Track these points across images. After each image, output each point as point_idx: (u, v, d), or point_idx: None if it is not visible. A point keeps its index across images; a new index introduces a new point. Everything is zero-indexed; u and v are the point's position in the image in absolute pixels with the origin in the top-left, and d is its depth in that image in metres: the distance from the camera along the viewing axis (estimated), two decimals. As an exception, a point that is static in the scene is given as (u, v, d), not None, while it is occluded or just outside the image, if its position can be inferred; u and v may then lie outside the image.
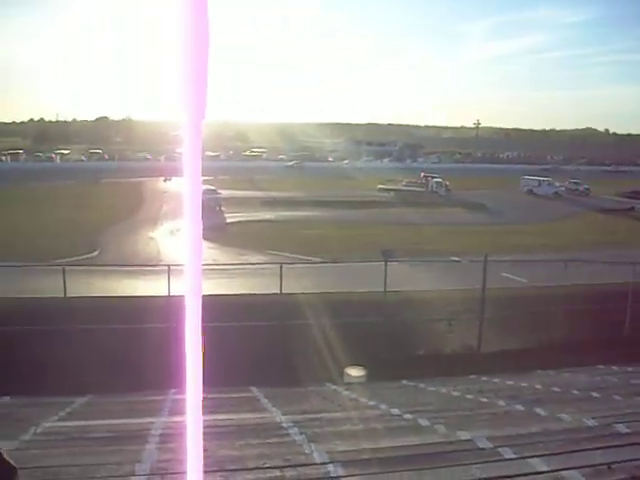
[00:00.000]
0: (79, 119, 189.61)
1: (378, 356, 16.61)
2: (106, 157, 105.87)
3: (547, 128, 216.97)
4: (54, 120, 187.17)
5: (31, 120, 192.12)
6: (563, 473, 5.82)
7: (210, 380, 1.10)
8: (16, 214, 42.68)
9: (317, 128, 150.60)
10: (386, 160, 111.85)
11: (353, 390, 14.05)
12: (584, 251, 30.34)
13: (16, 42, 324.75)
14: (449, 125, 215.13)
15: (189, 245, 0.98)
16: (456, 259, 26.04)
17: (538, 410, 9.83)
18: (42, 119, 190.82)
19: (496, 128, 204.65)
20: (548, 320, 18.71)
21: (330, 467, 6.74)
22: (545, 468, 6.06)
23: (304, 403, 12.77)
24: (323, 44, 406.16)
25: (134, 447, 8.10)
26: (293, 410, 11.30)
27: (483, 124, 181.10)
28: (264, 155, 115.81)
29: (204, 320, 1.01)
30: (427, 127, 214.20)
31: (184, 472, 1.02)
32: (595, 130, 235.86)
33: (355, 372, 16.15)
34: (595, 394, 11.61)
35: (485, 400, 11.99)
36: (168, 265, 17.93)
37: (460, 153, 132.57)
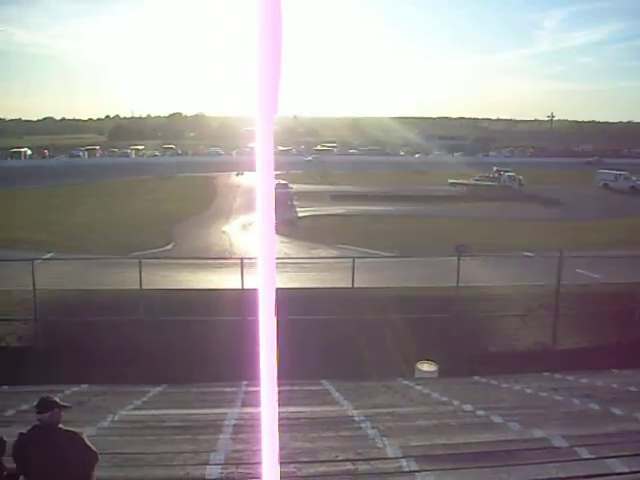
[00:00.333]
0: (153, 115, 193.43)
1: (450, 351, 16.44)
2: (179, 152, 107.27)
3: (624, 120, 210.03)
4: (129, 116, 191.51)
5: (107, 117, 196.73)
6: (643, 475, 5.67)
7: (282, 373, 1.10)
8: (94, 208, 43.73)
9: (388, 122, 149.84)
10: (457, 154, 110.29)
11: (424, 385, 13.96)
12: (663, 247, 29.39)
13: (92, 41, 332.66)
14: (522, 118, 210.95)
15: (262, 239, 0.98)
16: (529, 254, 25.57)
17: (614, 410, 9.60)
18: (117, 116, 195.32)
19: (570, 121, 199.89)
20: (624, 318, 18.22)
21: (403, 462, 6.71)
22: (624, 469, 5.91)
23: (375, 397, 12.76)
24: (394, 38, 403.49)
25: (208, 437, 8.24)
26: (364, 404, 11.31)
27: (557, 117, 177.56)
28: (335, 150, 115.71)
29: (277, 313, 1.01)
30: (499, 120, 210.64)
31: (258, 463, 1.02)
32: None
33: (426, 367, 16.04)
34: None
35: (559, 398, 11.77)
36: (241, 258, 18.08)
37: (533, 147, 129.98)
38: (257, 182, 0.95)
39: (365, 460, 6.83)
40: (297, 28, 0.97)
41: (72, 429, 5.44)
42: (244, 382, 13.81)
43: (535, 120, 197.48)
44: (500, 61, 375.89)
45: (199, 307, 17.52)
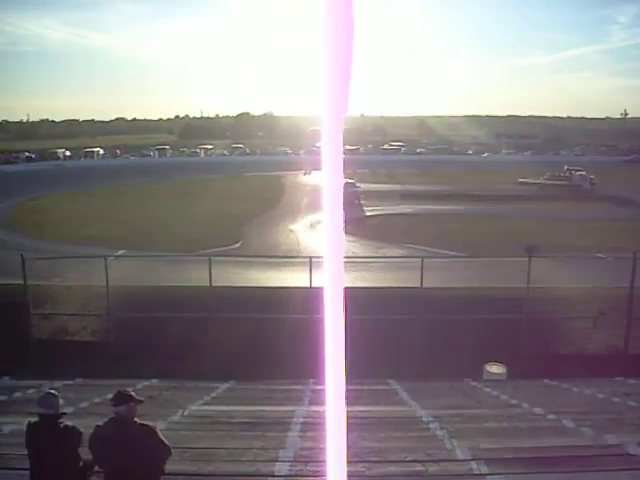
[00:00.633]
0: (222, 115, 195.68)
1: (519, 353, 16.20)
2: (248, 151, 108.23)
3: None
4: (198, 117, 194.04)
5: (177, 117, 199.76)
6: None
7: (349, 372, 1.09)
8: (164, 207, 44.53)
9: (456, 121, 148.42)
10: (527, 153, 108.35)
11: (493, 387, 13.78)
12: None
13: (162, 43, 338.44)
14: (593, 116, 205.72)
15: (330, 238, 0.98)
16: (601, 256, 24.98)
17: (693, 418, 9.32)
18: (187, 116, 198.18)
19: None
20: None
21: (473, 464, 6.64)
22: None
23: (443, 398, 12.66)
24: (461, 34, 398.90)
25: (277, 434, 8.29)
26: (432, 404, 11.22)
27: (631, 114, 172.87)
28: (402, 149, 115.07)
29: (345, 312, 1.01)
30: (570, 118, 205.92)
31: (327, 461, 1.02)
32: None
33: (495, 369, 15.84)
34: None
35: (634, 404, 11.46)
36: (309, 257, 18.15)
37: (605, 145, 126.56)
38: (325, 181, 0.95)
39: (435, 461, 6.78)
40: (366, 26, 0.96)
41: (147, 423, 5.55)
42: (311, 380, 13.86)
43: (607, 118, 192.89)
44: (571, 57, 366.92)
45: (267, 305, 17.65)
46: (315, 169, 62.38)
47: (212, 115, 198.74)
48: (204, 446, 7.36)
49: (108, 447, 5.43)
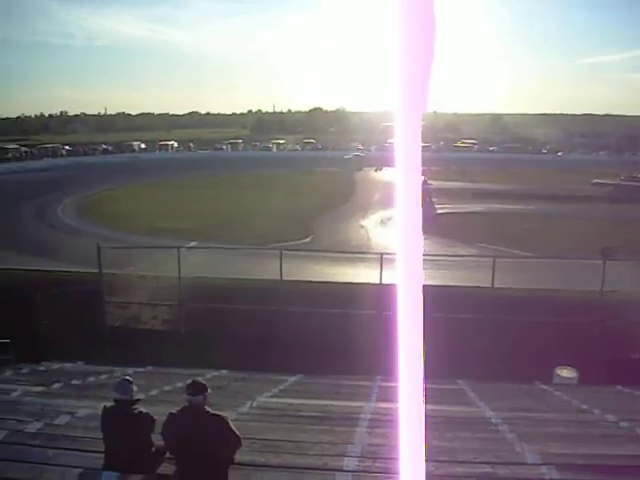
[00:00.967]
0: (294, 110, 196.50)
1: (591, 358, 15.85)
2: (319, 147, 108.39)
3: None
4: (271, 111, 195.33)
5: (250, 111, 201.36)
6: None
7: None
8: (236, 200, 45.04)
9: (530, 119, 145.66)
10: (602, 152, 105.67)
11: (564, 391, 13.52)
12: None
13: (237, 39, 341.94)
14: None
15: (408, 235, 0.97)
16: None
17: None
18: (260, 110, 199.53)
19: None
20: None
21: (544, 469, 6.53)
22: None
23: (512, 400, 12.48)
24: (537, 31, 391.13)
25: (345, 429, 8.31)
26: (502, 406, 11.08)
27: None
28: (475, 146, 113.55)
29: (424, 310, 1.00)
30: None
31: (395, 458, 1.01)
32: None
33: (566, 373, 15.54)
34: None
35: None
36: (381, 253, 18.12)
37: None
38: (401, 178, 0.94)
39: (504, 464, 6.69)
40: (445, 23, 0.95)
41: (218, 413, 5.64)
42: (378, 377, 13.84)
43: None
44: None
45: (336, 300, 17.68)
46: (386, 166, 62.17)
47: (284, 110, 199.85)
48: (272, 438, 7.43)
49: (181, 435, 5.53)
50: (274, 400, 11.15)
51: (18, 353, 16.83)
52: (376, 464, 6.35)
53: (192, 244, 25.46)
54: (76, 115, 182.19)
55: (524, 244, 28.66)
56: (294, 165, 71.65)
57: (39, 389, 12.12)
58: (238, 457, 5.89)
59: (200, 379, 5.97)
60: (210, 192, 50.02)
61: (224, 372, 14.15)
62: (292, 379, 14.13)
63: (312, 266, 22.83)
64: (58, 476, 5.79)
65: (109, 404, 6.05)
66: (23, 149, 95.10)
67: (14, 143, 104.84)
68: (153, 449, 5.97)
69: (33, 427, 7.92)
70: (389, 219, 35.99)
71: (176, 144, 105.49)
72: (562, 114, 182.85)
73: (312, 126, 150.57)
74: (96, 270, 19.95)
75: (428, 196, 44.96)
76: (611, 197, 53.36)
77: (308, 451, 6.84)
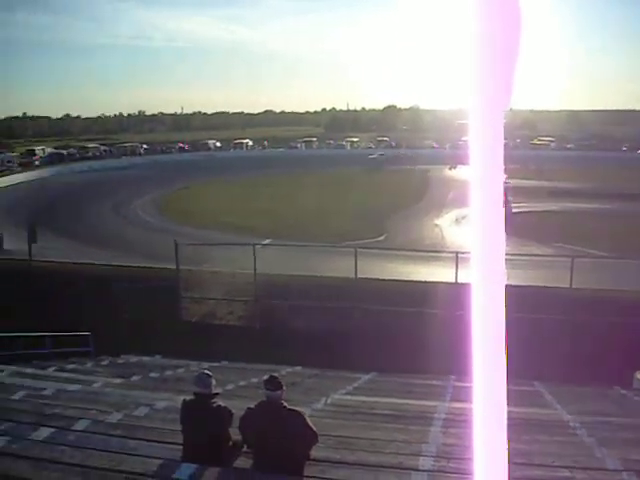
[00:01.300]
0: (368, 108, 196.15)
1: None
2: (393, 144, 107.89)
3: None
4: (344, 109, 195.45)
5: (323, 110, 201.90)
6: None
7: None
8: (310, 198, 45.23)
9: (608, 116, 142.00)
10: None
11: (645, 397, 13.15)
12: None
13: (308, 37, 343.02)
14: None
15: (489, 234, 0.95)
16: None
17: None
18: (333, 108, 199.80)
19: None
20: None
21: (624, 475, 6.36)
22: None
23: (590, 404, 12.19)
24: (615, 29, 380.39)
25: (419, 428, 8.26)
26: (580, 410, 10.83)
27: None
28: (552, 144, 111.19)
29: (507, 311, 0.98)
30: None
31: (470, 459, 1.00)
32: None
33: (647, 377, 15.10)
34: None
35: None
36: (456, 252, 17.96)
37: None
38: (482, 177, 0.92)
39: (583, 469, 6.54)
40: (530, 16, 0.92)
41: (295, 408, 5.68)
42: (452, 376, 13.72)
43: None
44: None
45: (410, 298, 17.60)
46: (461, 164, 61.51)
47: (358, 108, 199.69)
48: (347, 435, 7.44)
49: (258, 429, 5.60)
50: (348, 397, 11.17)
51: (98, 345, 17.31)
52: (451, 464, 6.30)
53: (267, 241, 25.70)
54: (153, 115, 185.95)
55: (600, 244, 27.94)
56: (367, 163, 71.57)
57: (119, 381, 12.45)
58: (314, 453, 5.92)
59: (276, 375, 6.03)
60: (284, 190, 50.42)
61: (298, 368, 14.24)
62: (365, 377, 14.13)
63: (385, 264, 22.74)
64: (138, 466, 5.91)
65: (188, 397, 6.16)
66: (103, 148, 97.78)
67: (94, 142, 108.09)
68: (230, 443, 6.05)
69: (114, 418, 8.13)
70: (464, 218, 35.58)
71: (251, 142, 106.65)
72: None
73: (386, 124, 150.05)
74: (173, 266, 20.35)
75: (506, 195, 44.30)
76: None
77: (383, 449, 6.82)
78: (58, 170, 75.33)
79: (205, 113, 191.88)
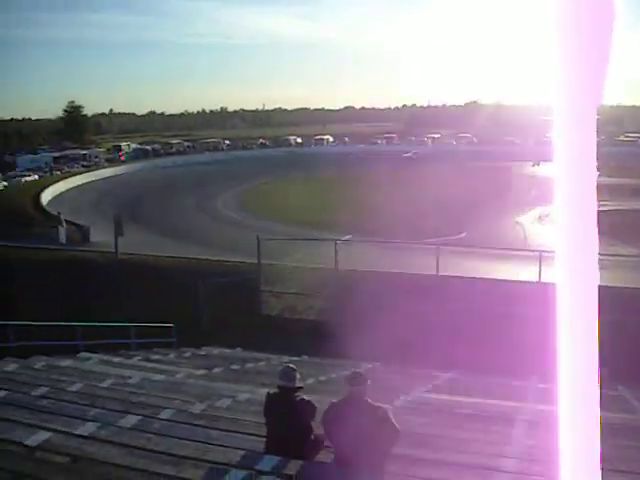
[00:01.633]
0: (449, 104, 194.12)
1: None
2: (475, 141, 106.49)
3: None
4: (425, 105, 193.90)
5: (404, 106, 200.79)
6: None
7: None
8: (390, 193, 45.04)
9: None
10: None
11: None
12: None
13: (387, 32, 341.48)
14: None
15: (581, 233, 0.94)
16: None
17: None
18: (414, 104, 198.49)
19: None
20: None
21: None
22: None
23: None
24: None
25: (500, 428, 8.16)
26: (668, 416, 10.52)
27: None
28: (639, 141, 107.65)
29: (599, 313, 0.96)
30: None
31: (555, 463, 0.98)
32: None
33: None
34: None
35: None
36: (539, 251, 17.65)
37: None
38: (574, 174, 0.91)
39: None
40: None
41: (379, 404, 5.69)
42: (534, 377, 13.47)
43: None
44: None
45: (490, 296, 17.36)
46: (544, 160, 60.19)
47: (439, 104, 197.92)
48: (428, 433, 7.41)
49: (341, 424, 5.62)
50: (428, 395, 11.12)
51: (181, 337, 17.68)
52: (535, 467, 6.18)
53: (347, 237, 25.72)
54: (235, 111, 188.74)
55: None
56: (449, 159, 70.81)
57: (201, 372, 12.69)
58: (395, 450, 5.91)
59: (360, 370, 6.06)
60: (363, 186, 50.34)
61: (378, 365, 14.23)
62: (446, 375, 14.03)
63: (465, 262, 22.48)
64: (221, 456, 6.01)
65: (272, 390, 6.25)
66: (186, 144, 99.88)
67: (178, 138, 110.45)
68: (313, 436, 6.11)
69: (197, 408, 8.30)
70: (547, 216, 34.89)
71: (331, 138, 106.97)
72: None
73: (467, 120, 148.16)
74: (254, 260, 20.62)
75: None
76: None
77: (465, 449, 6.77)
78: (143, 165, 77.32)
79: (286, 109, 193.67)
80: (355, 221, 32.44)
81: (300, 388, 6.21)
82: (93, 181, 62.26)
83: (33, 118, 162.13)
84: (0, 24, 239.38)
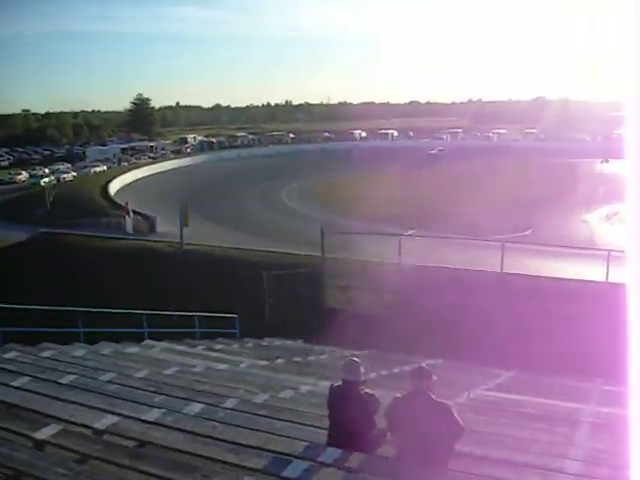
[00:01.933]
0: (515, 99, 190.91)
1: None
2: (542, 137, 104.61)
3: None
4: (491, 100, 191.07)
5: (470, 100, 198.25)
6: None
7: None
8: (454, 189, 44.71)
9: None
10: None
11: None
12: None
13: (454, 28, 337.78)
14: None
15: None
16: None
17: None
18: (480, 99, 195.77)
19: None
20: None
21: None
22: None
23: None
24: None
25: (564, 429, 8.03)
26: None
27: None
28: None
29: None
30: None
31: (624, 467, 0.96)
32: None
33: None
34: None
35: None
36: (608, 250, 17.27)
37: None
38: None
39: None
40: None
41: (443, 400, 5.67)
42: (599, 379, 13.21)
43: None
44: None
45: (556, 296, 17.10)
46: (613, 158, 58.81)
47: (505, 99, 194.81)
48: (490, 431, 7.35)
49: (405, 419, 5.62)
50: (491, 394, 11.02)
51: (244, 327, 17.87)
52: (601, 470, 6.06)
53: (410, 232, 25.58)
54: (300, 104, 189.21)
55: None
56: (514, 155, 69.78)
57: (264, 363, 12.82)
58: (458, 447, 5.88)
59: (425, 366, 6.04)
60: (427, 180, 50.09)
61: (439, 361, 14.13)
62: (508, 374, 13.86)
63: (529, 260, 22.14)
64: (284, 446, 6.06)
65: (336, 383, 6.27)
66: (251, 136, 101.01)
67: (243, 131, 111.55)
68: (376, 430, 6.12)
69: (260, 398, 8.40)
70: (615, 215, 34.11)
71: (396, 133, 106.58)
72: None
73: (534, 116, 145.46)
74: (317, 253, 20.70)
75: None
76: None
77: (527, 448, 6.69)
78: (208, 157, 78.44)
79: (351, 103, 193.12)
80: (419, 216, 32.32)
81: (364, 382, 6.22)
82: (159, 172, 63.32)
83: (102, 110, 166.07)
84: (74, 19, 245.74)
